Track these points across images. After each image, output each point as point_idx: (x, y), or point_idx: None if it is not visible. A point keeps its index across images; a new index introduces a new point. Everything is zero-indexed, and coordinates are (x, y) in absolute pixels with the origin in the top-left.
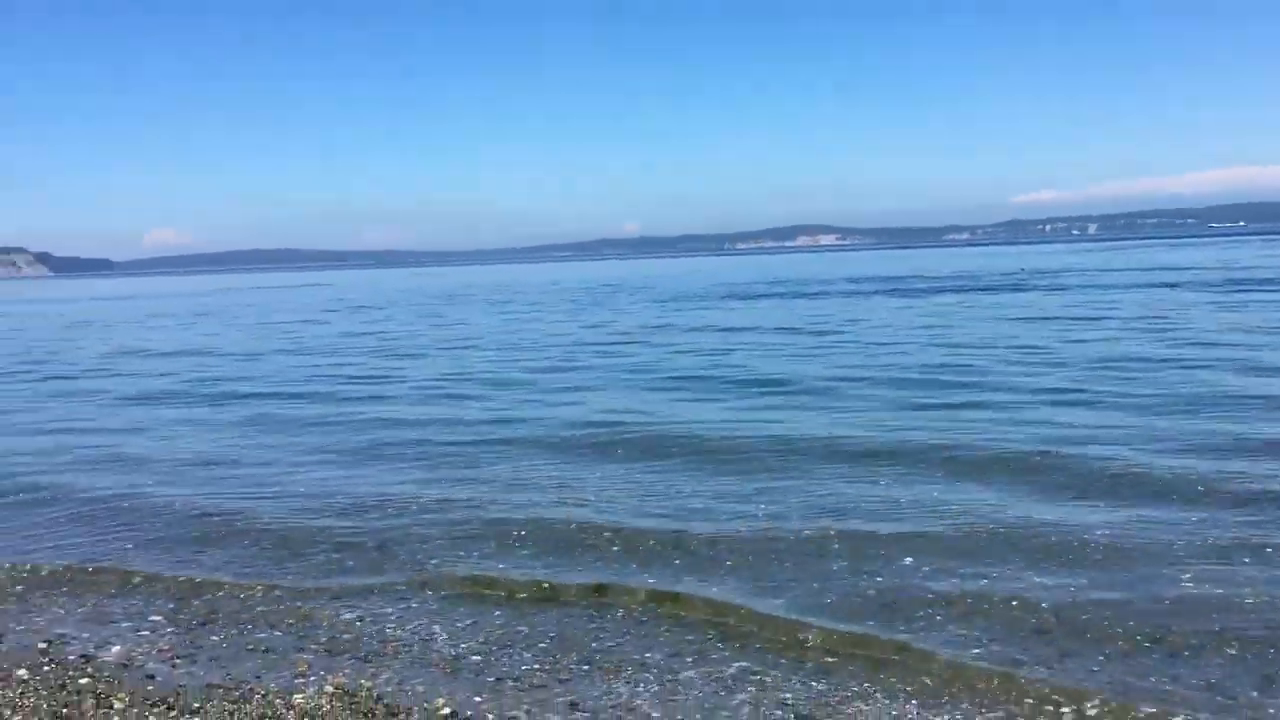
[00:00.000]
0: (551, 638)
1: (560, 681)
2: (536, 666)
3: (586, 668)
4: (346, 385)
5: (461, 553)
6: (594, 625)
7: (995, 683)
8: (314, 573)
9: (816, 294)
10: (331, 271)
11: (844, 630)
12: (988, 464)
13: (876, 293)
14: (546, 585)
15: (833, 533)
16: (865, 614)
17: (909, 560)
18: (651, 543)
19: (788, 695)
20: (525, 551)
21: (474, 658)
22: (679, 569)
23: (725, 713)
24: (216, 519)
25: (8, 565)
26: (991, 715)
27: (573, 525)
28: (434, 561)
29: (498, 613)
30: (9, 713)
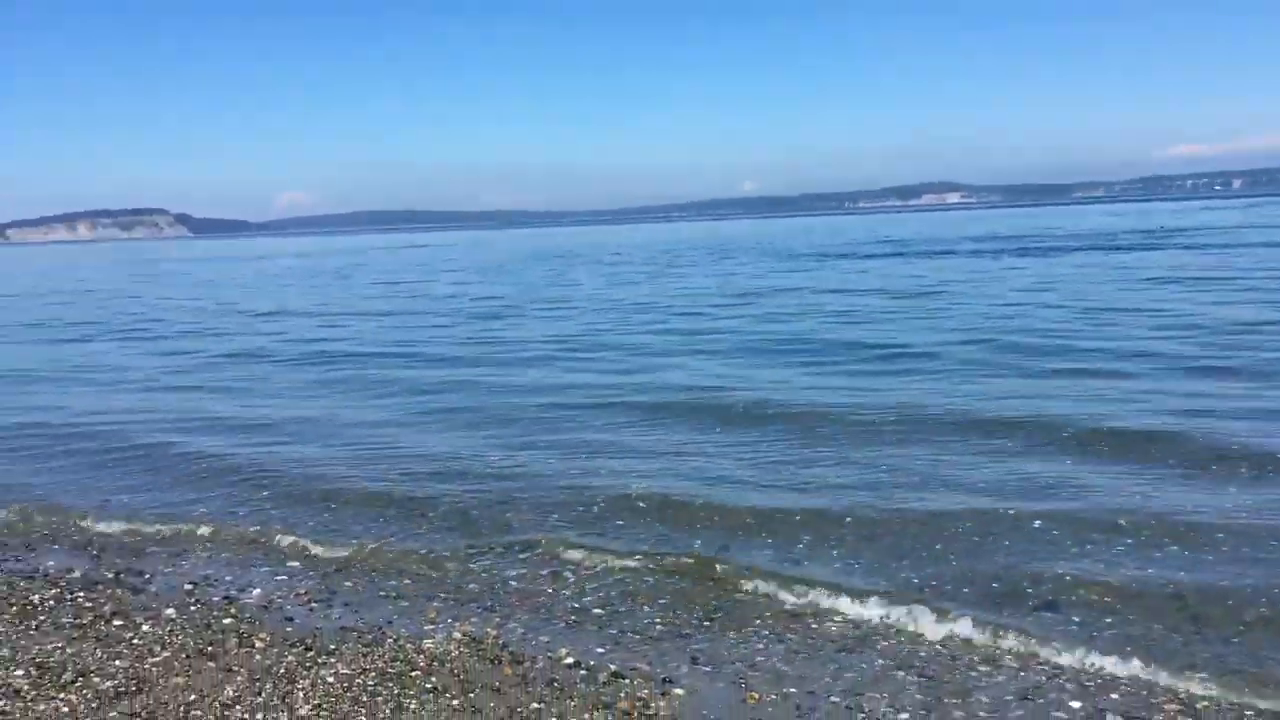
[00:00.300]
0: (672, 594)
1: (681, 635)
2: (658, 621)
3: (708, 624)
4: (462, 348)
5: (581, 510)
6: (714, 585)
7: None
8: (440, 528)
9: (940, 254)
10: (453, 232)
11: (959, 613)
12: (1119, 438)
13: (1003, 252)
14: (667, 549)
15: (959, 510)
16: (987, 595)
17: (1035, 540)
18: (770, 514)
19: (913, 659)
20: (645, 516)
21: (596, 610)
22: (798, 541)
23: (851, 673)
24: (344, 478)
25: (154, 514)
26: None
27: (692, 495)
28: (554, 517)
29: (619, 569)
30: (159, 649)
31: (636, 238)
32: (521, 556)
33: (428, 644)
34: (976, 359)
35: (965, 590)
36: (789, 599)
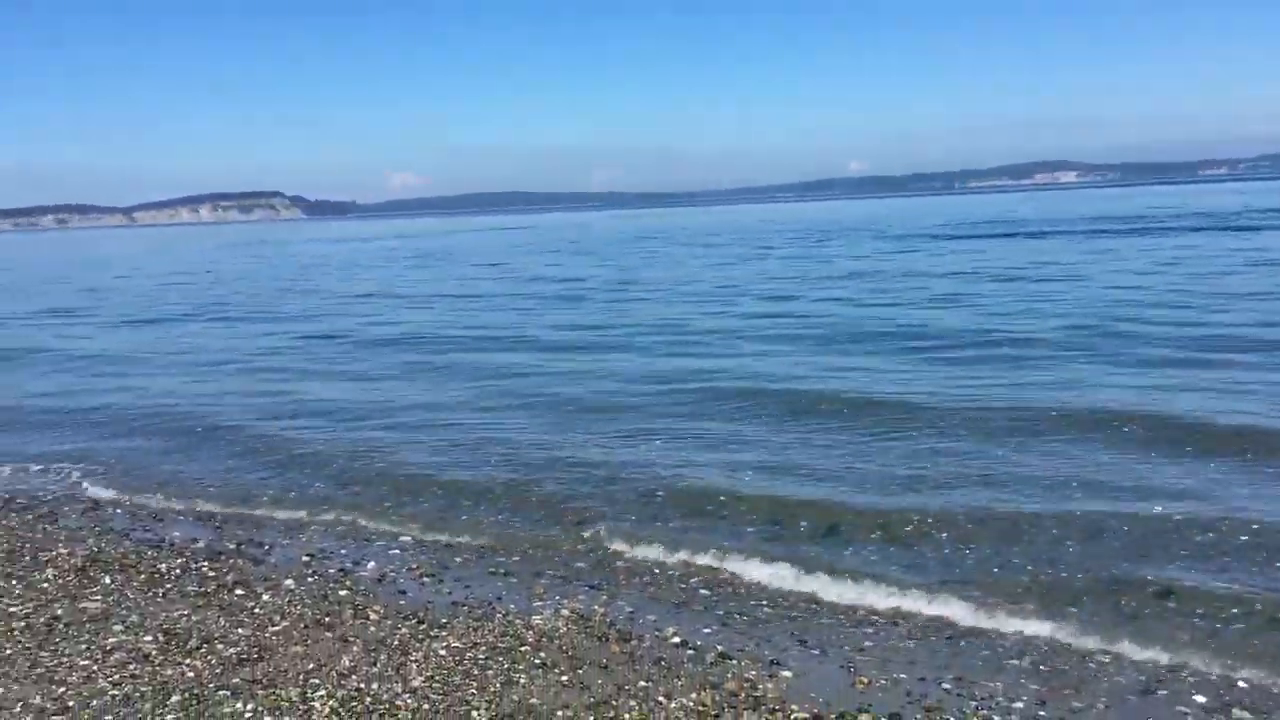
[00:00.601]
0: (778, 580)
1: (789, 619)
2: (765, 603)
3: (815, 608)
4: (560, 332)
5: (685, 496)
6: (819, 576)
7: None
8: (545, 509)
9: (1053, 234)
10: (561, 213)
11: (1073, 610)
12: (1239, 435)
13: (1120, 232)
14: (772, 539)
15: (1073, 509)
16: (1101, 594)
17: (1150, 552)
18: (875, 511)
19: (1026, 651)
20: (747, 505)
21: (703, 591)
22: (905, 536)
23: (963, 662)
24: (451, 461)
25: (272, 489)
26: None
27: (796, 488)
28: (659, 495)
29: (724, 551)
30: (278, 618)
31: (741, 219)
32: (629, 537)
33: (536, 620)
34: (1087, 346)
35: (1079, 588)
36: (895, 590)
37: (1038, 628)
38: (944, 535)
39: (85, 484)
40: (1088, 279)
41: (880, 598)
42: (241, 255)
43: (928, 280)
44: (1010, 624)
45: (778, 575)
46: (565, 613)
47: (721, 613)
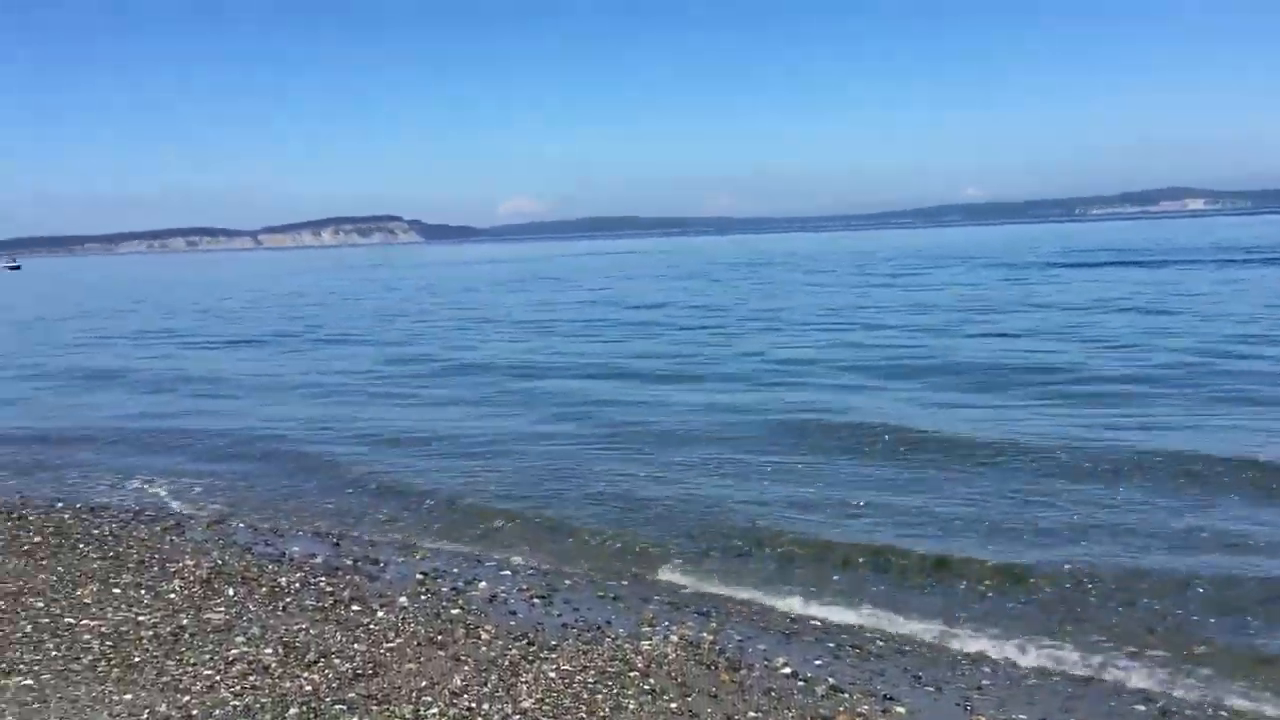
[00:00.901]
0: (890, 617)
1: (901, 653)
2: (878, 638)
3: (930, 642)
4: (667, 362)
5: (798, 525)
6: (936, 622)
7: None
8: (655, 535)
9: (1178, 264)
10: (674, 238)
11: (1199, 667)
12: None
13: (1253, 262)
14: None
15: (1202, 564)
16: (1226, 651)
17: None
18: (981, 563)
19: (1156, 699)
20: (857, 562)
21: (813, 622)
22: (1013, 590)
23: (1085, 706)
24: (561, 486)
25: (386, 511)
26: None
27: (914, 540)
28: (767, 531)
29: (835, 578)
30: (393, 634)
31: (852, 244)
32: (736, 564)
33: (645, 645)
34: (1213, 384)
35: (1207, 640)
36: (1012, 632)
37: (1163, 678)
38: (1064, 581)
39: (206, 500)
40: (1214, 314)
41: (996, 639)
42: (355, 278)
43: (1046, 312)
44: (1135, 673)
45: (886, 616)
46: (674, 639)
47: (832, 645)
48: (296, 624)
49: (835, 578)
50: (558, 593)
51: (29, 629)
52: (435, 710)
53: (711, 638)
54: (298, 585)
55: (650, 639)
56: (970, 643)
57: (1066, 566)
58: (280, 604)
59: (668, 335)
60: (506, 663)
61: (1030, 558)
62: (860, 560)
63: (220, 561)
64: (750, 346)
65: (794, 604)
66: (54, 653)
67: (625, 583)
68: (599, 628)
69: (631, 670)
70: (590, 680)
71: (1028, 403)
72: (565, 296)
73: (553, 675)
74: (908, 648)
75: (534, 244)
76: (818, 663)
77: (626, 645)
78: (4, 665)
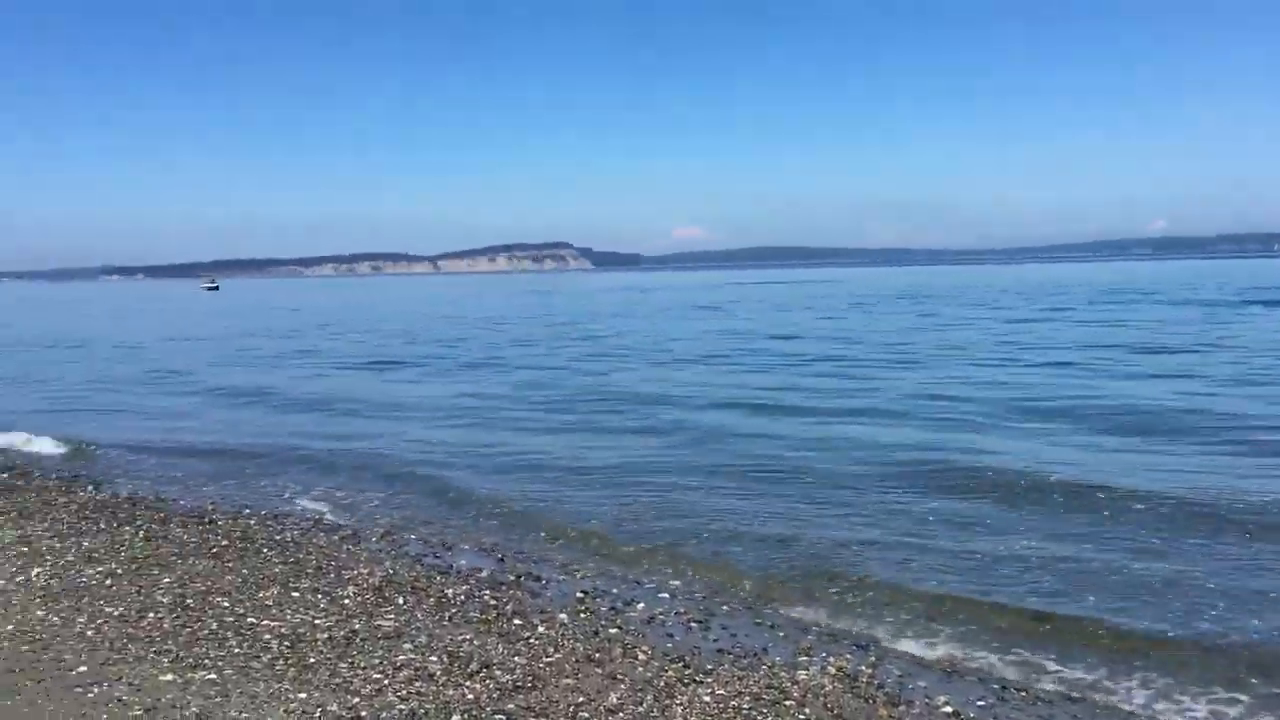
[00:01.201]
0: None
1: (1070, 699)
2: (1045, 679)
3: (1096, 696)
4: (824, 398)
5: (920, 568)
6: (1094, 671)
7: None
8: (814, 569)
9: None
10: (841, 269)
11: None
12: None
13: None
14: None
15: None
16: None
17: None
18: (1096, 634)
19: None
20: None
21: (974, 663)
22: (1189, 654)
23: None
24: (721, 515)
25: (545, 532)
26: None
27: (1080, 607)
28: (893, 574)
29: (998, 625)
30: (552, 650)
31: (1025, 276)
32: (885, 607)
33: (801, 674)
34: None
35: None
36: (1191, 692)
37: None
38: (1240, 645)
39: (380, 513)
40: None
41: (1171, 696)
42: (527, 302)
43: (1232, 354)
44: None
45: (1053, 664)
46: (831, 670)
47: (997, 687)
48: (461, 634)
49: (998, 625)
50: (714, 618)
51: (215, 626)
52: None
53: (870, 671)
54: (463, 597)
55: (807, 669)
56: (1138, 695)
57: (1238, 643)
58: (447, 614)
59: (849, 370)
60: (662, 683)
61: (1203, 625)
62: (1020, 610)
63: (392, 571)
64: (915, 382)
65: (953, 649)
66: (236, 650)
67: (783, 611)
68: (755, 655)
69: (787, 699)
70: (745, 706)
71: (1219, 455)
72: (722, 325)
73: (707, 699)
74: (1075, 693)
75: (702, 272)
76: (980, 703)
77: (783, 673)
78: (191, 660)
